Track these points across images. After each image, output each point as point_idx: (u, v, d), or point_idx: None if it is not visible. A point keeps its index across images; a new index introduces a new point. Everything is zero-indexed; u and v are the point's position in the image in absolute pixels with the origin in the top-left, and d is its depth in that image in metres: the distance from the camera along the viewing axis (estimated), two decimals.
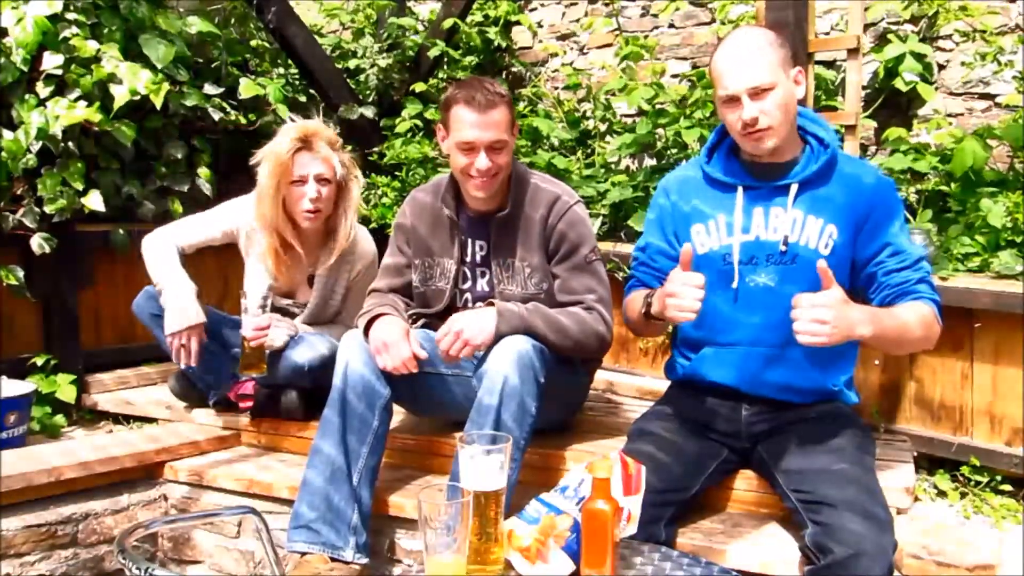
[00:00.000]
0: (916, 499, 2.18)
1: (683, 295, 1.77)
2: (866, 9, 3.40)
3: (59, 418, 2.92)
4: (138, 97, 2.94)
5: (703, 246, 1.98)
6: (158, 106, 2.99)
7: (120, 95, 2.89)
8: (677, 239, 2.04)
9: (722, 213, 1.96)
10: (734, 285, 1.93)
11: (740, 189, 1.95)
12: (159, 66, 3.04)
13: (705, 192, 2.02)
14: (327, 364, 2.43)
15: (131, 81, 2.91)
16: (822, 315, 1.68)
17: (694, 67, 4.08)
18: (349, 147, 2.71)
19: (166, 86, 3.00)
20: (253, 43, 4.04)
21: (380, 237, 3.71)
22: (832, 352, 1.90)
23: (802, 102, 1.98)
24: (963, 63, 3.43)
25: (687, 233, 2.01)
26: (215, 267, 3.39)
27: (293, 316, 2.67)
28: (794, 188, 1.90)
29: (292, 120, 2.62)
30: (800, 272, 1.89)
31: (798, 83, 1.90)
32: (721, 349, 1.98)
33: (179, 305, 2.51)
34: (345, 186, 2.63)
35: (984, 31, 3.28)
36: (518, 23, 4.78)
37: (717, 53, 1.91)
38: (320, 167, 2.53)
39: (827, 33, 3.78)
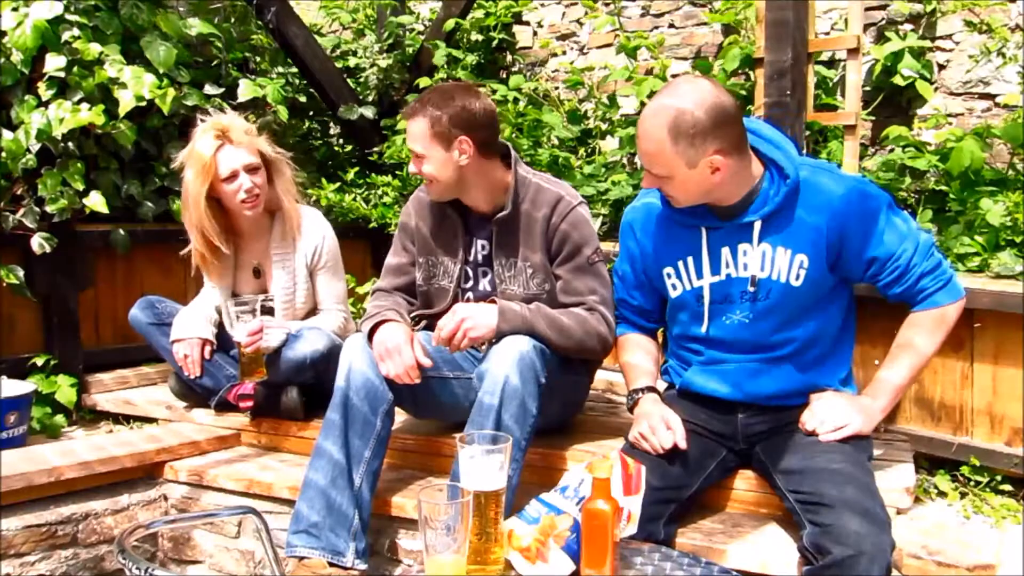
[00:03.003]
0: (916, 499, 2.18)
1: (656, 436, 1.88)
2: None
3: (59, 418, 2.92)
4: (144, 103, 2.94)
5: (675, 289, 2.00)
6: (166, 112, 3.00)
7: (126, 101, 2.89)
8: (648, 277, 2.07)
9: (690, 255, 1.95)
10: (703, 330, 1.97)
11: (704, 231, 1.92)
12: (160, 71, 3.04)
13: (671, 228, 1.98)
14: (328, 358, 2.44)
15: (136, 87, 2.91)
16: (836, 420, 1.87)
17: (694, 67, 4.07)
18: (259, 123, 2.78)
19: (172, 91, 3.00)
20: (253, 39, 4.04)
21: (380, 237, 3.72)
22: (821, 356, 1.95)
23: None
24: (970, 56, 3.43)
25: (659, 273, 2.02)
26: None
27: (271, 312, 2.66)
28: (758, 225, 1.85)
29: (203, 120, 2.61)
30: (774, 306, 1.90)
31: (719, 169, 1.76)
32: (709, 366, 2.01)
33: (188, 317, 2.69)
34: (274, 165, 2.66)
35: (989, 24, 3.28)
36: (519, 20, 4.78)
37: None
38: (246, 157, 2.56)
39: (827, 33, 3.78)
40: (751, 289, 1.89)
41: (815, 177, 1.85)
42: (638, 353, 2.12)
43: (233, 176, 2.54)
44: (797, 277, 1.86)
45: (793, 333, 1.93)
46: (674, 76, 4.10)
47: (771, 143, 1.88)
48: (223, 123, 2.58)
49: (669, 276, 2.00)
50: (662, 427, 1.88)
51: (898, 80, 3.40)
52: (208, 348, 2.68)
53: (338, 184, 3.92)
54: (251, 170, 2.56)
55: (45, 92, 2.87)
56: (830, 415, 1.89)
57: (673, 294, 2.00)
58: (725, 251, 1.91)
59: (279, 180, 2.66)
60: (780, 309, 1.90)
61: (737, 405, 2.00)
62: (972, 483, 2.28)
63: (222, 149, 2.53)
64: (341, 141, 4.53)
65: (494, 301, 2.12)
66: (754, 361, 1.95)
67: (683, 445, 1.86)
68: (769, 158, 1.86)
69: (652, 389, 2.03)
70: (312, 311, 2.75)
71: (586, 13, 4.60)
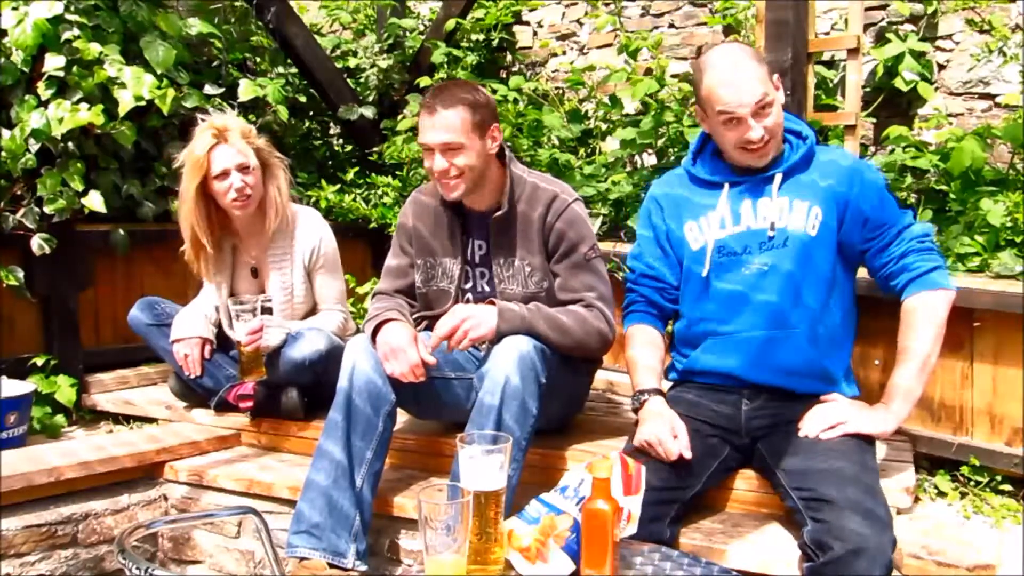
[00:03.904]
0: (916, 499, 2.18)
1: (663, 447, 1.88)
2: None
3: (59, 418, 2.92)
4: (144, 103, 2.95)
5: (697, 241, 2.07)
6: (166, 112, 3.00)
7: (125, 101, 2.89)
8: (670, 242, 2.13)
9: (712, 210, 2.05)
10: (704, 273, 2.03)
11: (726, 186, 2.05)
12: (158, 71, 3.03)
13: (694, 193, 2.11)
14: (327, 358, 2.45)
15: (136, 87, 2.91)
16: (834, 418, 1.90)
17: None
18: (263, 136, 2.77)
19: (172, 92, 3.00)
20: (252, 40, 4.04)
21: (380, 237, 3.72)
22: (828, 337, 2.00)
23: (786, 106, 2.09)
24: (971, 55, 3.43)
25: (681, 231, 2.10)
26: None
27: (270, 311, 2.67)
28: (778, 177, 2.00)
29: (203, 120, 2.64)
30: (792, 252, 1.98)
31: (778, 88, 1.99)
32: (720, 338, 2.04)
33: (188, 317, 2.70)
34: (270, 168, 2.68)
35: (990, 23, 3.28)
36: (519, 20, 4.78)
37: (708, 75, 1.97)
38: (238, 157, 2.58)
39: (827, 33, 3.78)
40: (770, 235, 1.98)
41: (827, 148, 2.10)
42: (645, 348, 2.11)
43: (224, 174, 2.56)
44: (813, 227, 1.97)
45: (804, 290, 1.97)
46: (673, 76, 4.11)
47: (788, 119, 2.08)
48: (220, 123, 2.60)
49: (691, 230, 2.08)
50: (669, 438, 1.88)
51: (899, 83, 3.41)
52: (208, 347, 2.68)
53: (338, 184, 3.92)
54: (242, 169, 2.58)
55: (44, 92, 2.87)
56: (826, 414, 1.93)
57: (695, 247, 2.06)
58: (746, 204, 2.02)
59: (272, 183, 2.66)
60: (796, 257, 1.96)
61: (743, 389, 2.02)
62: (972, 483, 2.27)
63: (216, 148, 2.56)
64: (341, 141, 4.53)
65: (493, 302, 2.12)
66: (765, 330, 1.98)
67: (688, 455, 1.88)
68: (788, 128, 2.06)
69: (659, 392, 2.03)
70: (311, 311, 2.76)
71: (587, 13, 4.60)
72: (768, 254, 1.99)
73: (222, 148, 2.56)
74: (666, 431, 1.89)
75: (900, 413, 1.92)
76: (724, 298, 2.03)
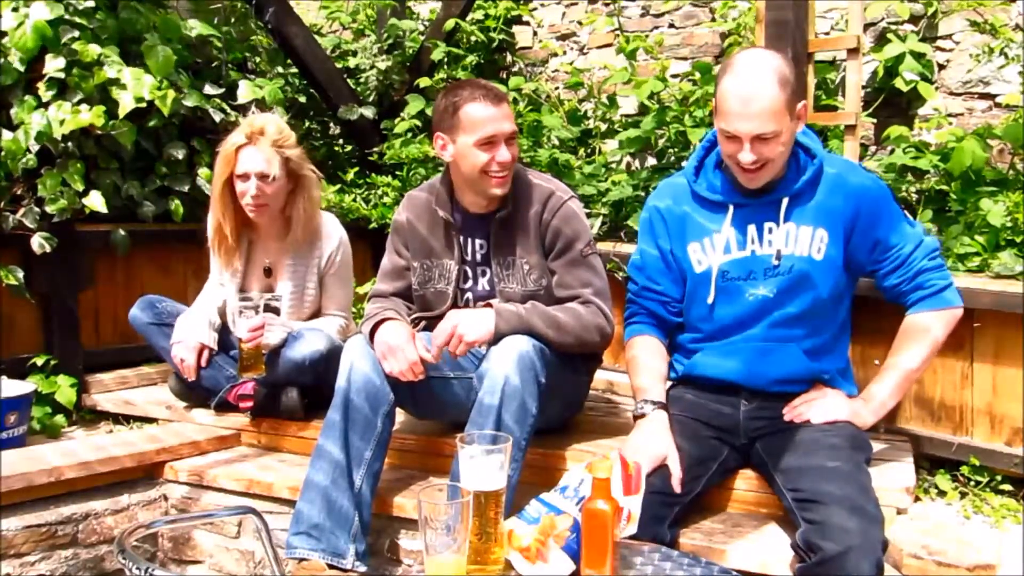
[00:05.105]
0: (916, 499, 2.18)
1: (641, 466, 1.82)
2: (865, 9, 3.40)
3: (59, 418, 2.92)
4: (144, 104, 2.95)
5: (700, 264, 2.03)
6: (166, 114, 3.01)
7: (125, 103, 2.90)
8: (674, 258, 2.08)
9: (716, 232, 2.00)
10: (710, 300, 1.99)
11: (731, 208, 1.98)
12: (158, 77, 3.03)
13: (697, 211, 2.04)
14: (327, 358, 2.45)
15: (136, 88, 2.91)
16: (823, 411, 1.94)
17: (694, 68, 4.07)
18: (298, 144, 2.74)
19: (172, 93, 3.01)
20: (252, 40, 4.04)
21: (380, 238, 3.71)
22: (825, 345, 2.01)
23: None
24: (971, 55, 3.43)
25: (684, 251, 2.05)
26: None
27: (277, 311, 2.68)
28: (784, 203, 1.94)
29: (253, 113, 2.69)
30: (797, 279, 1.95)
31: (800, 117, 1.90)
32: (720, 345, 2.03)
33: (191, 320, 2.69)
34: (299, 180, 2.67)
35: (992, 23, 3.28)
36: (519, 20, 4.78)
37: (726, 81, 1.84)
38: (260, 165, 2.57)
39: (827, 33, 3.78)
40: (775, 263, 1.94)
41: (836, 165, 1.99)
42: (648, 353, 2.07)
43: (244, 177, 2.58)
44: (819, 251, 1.94)
45: (807, 310, 1.96)
46: (674, 76, 4.11)
47: (803, 131, 1.99)
48: (258, 124, 2.62)
49: (695, 252, 2.03)
50: (649, 466, 1.81)
51: (900, 84, 3.41)
52: (207, 353, 2.68)
53: (338, 185, 3.92)
54: (262, 178, 2.57)
55: (45, 93, 2.87)
56: (817, 403, 1.97)
57: (698, 269, 2.03)
58: (751, 228, 1.97)
59: (301, 195, 2.66)
60: (801, 285, 1.94)
61: (741, 391, 2.02)
62: (972, 483, 2.27)
63: (245, 148, 2.58)
64: (341, 141, 4.53)
65: (489, 305, 2.12)
66: (765, 340, 1.98)
67: (678, 490, 1.84)
68: (798, 142, 1.97)
69: (663, 406, 1.97)
70: (315, 315, 2.76)
71: (581, 22, 4.60)
72: (773, 280, 1.96)
73: (250, 150, 2.58)
74: (650, 455, 1.84)
75: (879, 407, 1.99)
76: (727, 320, 2.01)
